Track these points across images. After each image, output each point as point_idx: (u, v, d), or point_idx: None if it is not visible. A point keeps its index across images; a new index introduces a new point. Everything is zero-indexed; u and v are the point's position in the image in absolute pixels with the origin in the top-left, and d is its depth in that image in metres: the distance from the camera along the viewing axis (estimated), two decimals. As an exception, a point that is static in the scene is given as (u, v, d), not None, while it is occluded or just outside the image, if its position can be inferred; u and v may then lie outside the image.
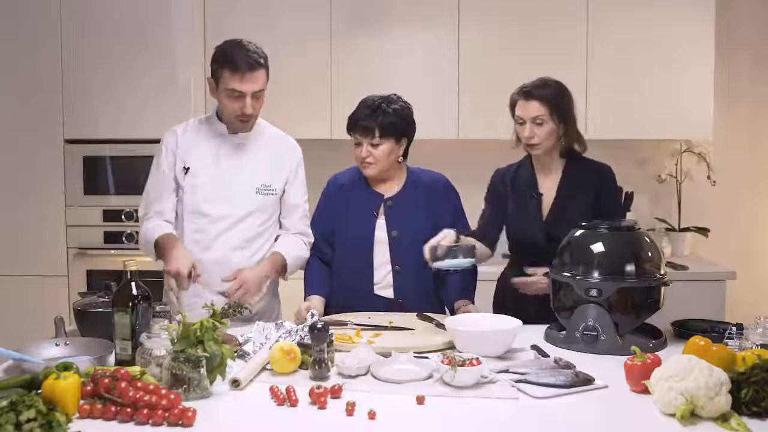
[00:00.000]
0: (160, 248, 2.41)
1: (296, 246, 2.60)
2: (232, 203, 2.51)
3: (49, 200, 3.84)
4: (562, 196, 2.58)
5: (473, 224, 2.71)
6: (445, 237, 2.39)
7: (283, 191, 2.60)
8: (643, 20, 3.88)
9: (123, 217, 3.82)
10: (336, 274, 2.63)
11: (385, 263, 2.58)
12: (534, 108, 2.50)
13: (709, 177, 4.12)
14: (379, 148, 2.53)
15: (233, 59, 2.38)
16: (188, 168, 2.51)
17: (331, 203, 2.67)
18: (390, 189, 2.63)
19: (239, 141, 2.55)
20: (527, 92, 2.53)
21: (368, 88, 3.89)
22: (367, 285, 2.57)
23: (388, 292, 2.57)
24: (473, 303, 2.54)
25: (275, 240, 2.60)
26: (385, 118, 2.51)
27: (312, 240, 2.66)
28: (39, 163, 3.83)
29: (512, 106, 2.60)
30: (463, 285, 2.58)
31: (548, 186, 2.61)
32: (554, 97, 2.52)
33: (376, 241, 2.57)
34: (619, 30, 3.88)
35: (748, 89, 4.24)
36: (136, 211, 3.75)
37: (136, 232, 3.78)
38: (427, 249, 2.37)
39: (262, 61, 2.42)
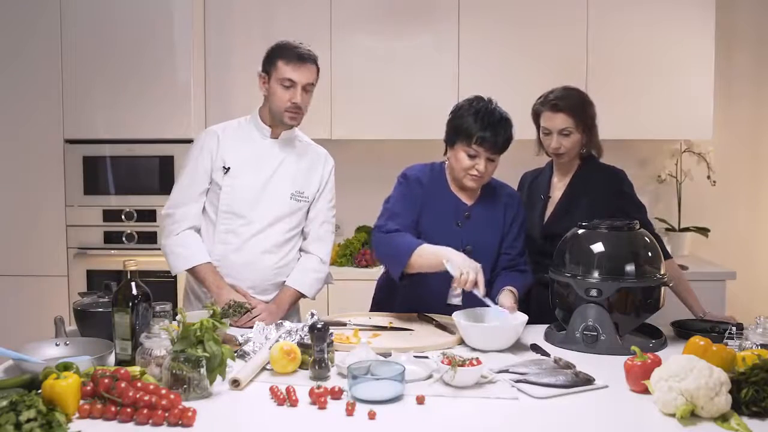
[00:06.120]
0: (200, 277, 2.51)
1: (308, 275, 2.59)
2: (268, 206, 2.53)
3: (49, 200, 3.84)
4: (566, 197, 2.61)
5: None
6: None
7: (314, 199, 2.61)
8: (643, 20, 3.88)
9: (123, 217, 3.82)
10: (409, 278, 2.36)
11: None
12: (561, 120, 2.55)
13: (709, 177, 4.12)
14: (493, 164, 2.37)
15: (287, 49, 2.48)
16: (228, 168, 2.52)
17: (412, 195, 2.44)
18: (470, 196, 2.47)
19: (280, 145, 2.57)
20: (554, 105, 2.56)
21: (368, 88, 3.96)
22: (440, 295, 2.39)
23: (459, 304, 2.37)
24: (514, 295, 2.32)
25: (298, 254, 2.62)
26: (507, 133, 2.35)
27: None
28: (39, 163, 3.83)
29: (536, 115, 2.63)
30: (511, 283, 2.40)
31: (559, 188, 2.66)
32: (580, 109, 2.57)
33: None
34: (619, 30, 3.89)
35: (748, 89, 4.24)
36: (136, 211, 3.83)
37: (137, 232, 3.81)
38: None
39: (313, 56, 2.50)
